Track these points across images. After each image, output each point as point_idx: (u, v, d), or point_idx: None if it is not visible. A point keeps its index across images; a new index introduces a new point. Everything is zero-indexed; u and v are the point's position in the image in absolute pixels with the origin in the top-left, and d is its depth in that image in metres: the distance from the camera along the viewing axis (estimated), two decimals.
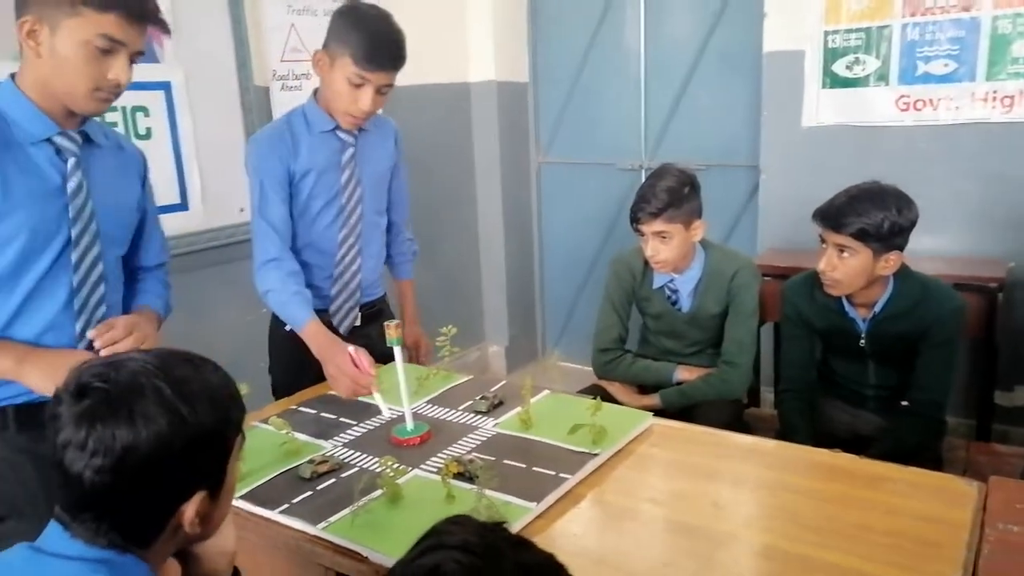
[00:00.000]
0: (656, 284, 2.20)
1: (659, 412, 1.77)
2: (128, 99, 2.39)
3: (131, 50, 1.33)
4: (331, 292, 1.92)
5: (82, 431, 0.82)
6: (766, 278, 2.42)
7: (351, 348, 1.66)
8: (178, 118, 2.54)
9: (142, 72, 2.38)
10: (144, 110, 2.44)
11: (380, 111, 1.88)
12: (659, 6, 3.47)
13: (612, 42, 3.64)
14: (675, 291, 2.19)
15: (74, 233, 1.38)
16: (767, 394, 2.52)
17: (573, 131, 3.88)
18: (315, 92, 1.87)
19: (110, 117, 2.34)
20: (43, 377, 1.29)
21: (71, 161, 1.38)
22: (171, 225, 2.50)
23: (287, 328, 1.81)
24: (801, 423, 1.99)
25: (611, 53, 3.65)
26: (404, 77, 3.45)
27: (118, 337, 1.37)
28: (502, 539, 0.66)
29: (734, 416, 2.11)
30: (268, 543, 1.24)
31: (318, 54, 1.78)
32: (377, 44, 1.72)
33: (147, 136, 2.45)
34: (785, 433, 1.98)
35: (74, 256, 1.38)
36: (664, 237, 2.05)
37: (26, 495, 1.35)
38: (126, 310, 1.53)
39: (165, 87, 2.50)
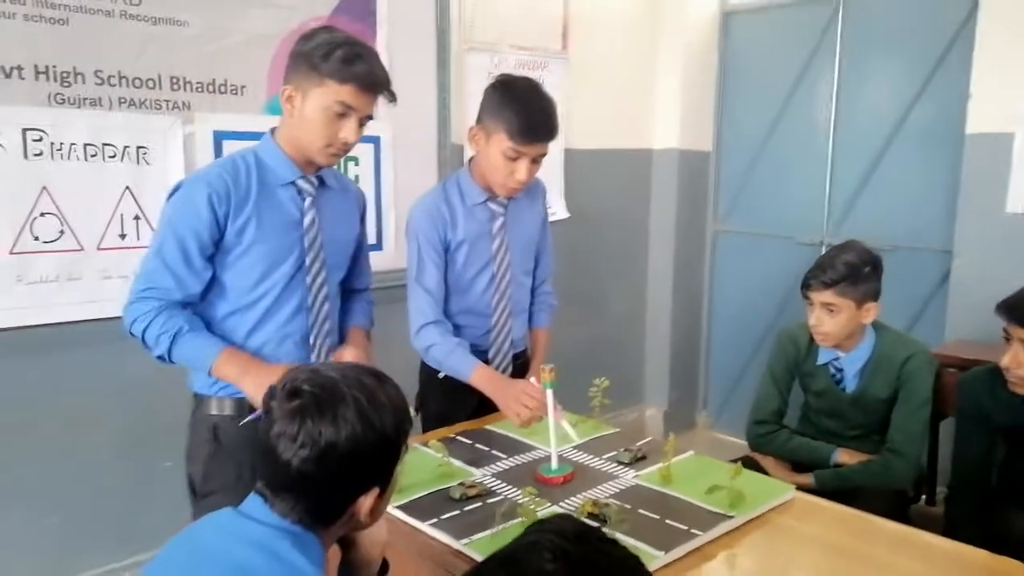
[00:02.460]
0: (820, 360, 2.15)
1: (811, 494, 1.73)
2: None
3: (361, 114, 1.59)
4: (488, 353, 2.01)
5: (294, 425, 0.99)
6: (950, 369, 2.29)
7: (532, 379, 1.81)
8: (382, 169, 2.86)
9: None
10: (355, 160, 2.77)
11: None
12: (855, 82, 3.41)
13: (802, 115, 3.61)
14: (840, 370, 2.12)
15: (307, 260, 1.66)
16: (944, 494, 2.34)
17: (753, 201, 3.86)
18: (470, 161, 1.97)
19: None
20: (256, 389, 1.51)
21: (308, 200, 1.66)
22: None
23: (440, 375, 1.95)
24: (970, 529, 1.84)
25: (799, 126, 3.62)
26: (590, 141, 3.66)
27: None
28: (594, 533, 0.75)
29: (896, 509, 1.99)
30: (416, 551, 1.36)
31: (473, 129, 1.88)
32: (530, 119, 1.79)
33: (355, 183, 2.77)
34: (951, 537, 1.85)
35: (307, 279, 1.67)
36: (831, 310, 2.02)
37: (238, 475, 1.58)
38: (341, 325, 1.82)
39: (375, 141, 2.83)
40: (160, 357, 1.58)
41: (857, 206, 3.46)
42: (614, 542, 0.75)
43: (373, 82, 1.58)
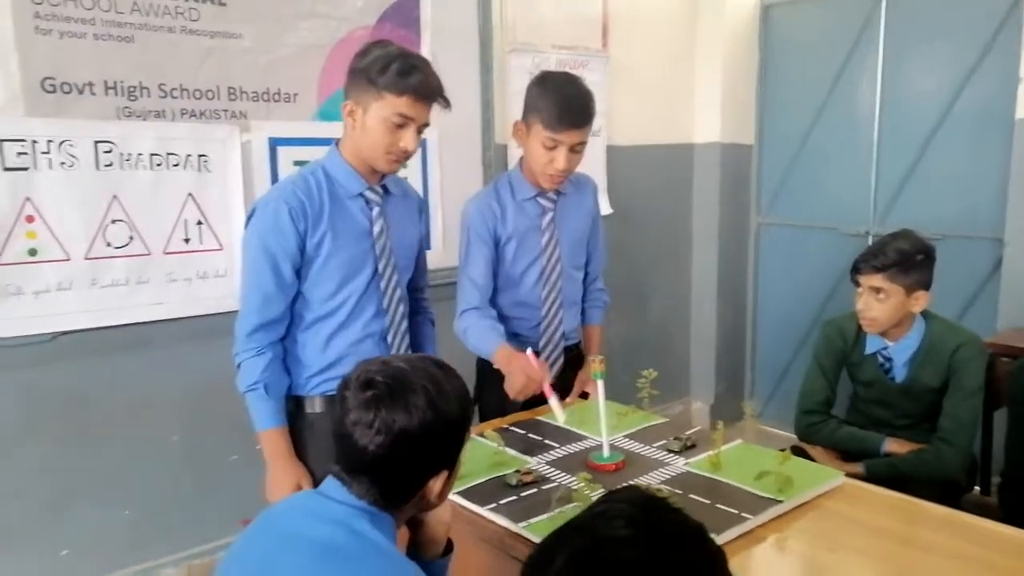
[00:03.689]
0: (869, 350, 2.16)
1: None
2: None
3: (418, 123, 1.68)
4: (539, 344, 2.06)
5: (370, 414, 1.06)
6: (1004, 359, 2.27)
7: (529, 352, 1.86)
8: (429, 171, 2.94)
9: None
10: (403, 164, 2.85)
11: (579, 169, 2.01)
12: (900, 70, 3.38)
13: (845, 105, 3.59)
14: (889, 359, 2.13)
15: (380, 266, 1.76)
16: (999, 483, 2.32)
17: (797, 193, 3.85)
18: (520, 160, 2.05)
19: None
20: (273, 480, 1.68)
21: (376, 210, 1.77)
22: None
23: (495, 367, 1.97)
24: None
25: (843, 116, 3.60)
26: (631, 138, 3.69)
27: None
28: (661, 503, 0.80)
29: (948, 498, 1.98)
30: (476, 534, 1.43)
31: (517, 124, 1.96)
32: (564, 107, 1.85)
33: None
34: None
35: (382, 284, 1.77)
36: (880, 295, 2.03)
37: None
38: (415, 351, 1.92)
39: (422, 144, 2.89)
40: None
41: (904, 195, 3.43)
42: (680, 510, 0.80)
43: (428, 92, 1.67)
